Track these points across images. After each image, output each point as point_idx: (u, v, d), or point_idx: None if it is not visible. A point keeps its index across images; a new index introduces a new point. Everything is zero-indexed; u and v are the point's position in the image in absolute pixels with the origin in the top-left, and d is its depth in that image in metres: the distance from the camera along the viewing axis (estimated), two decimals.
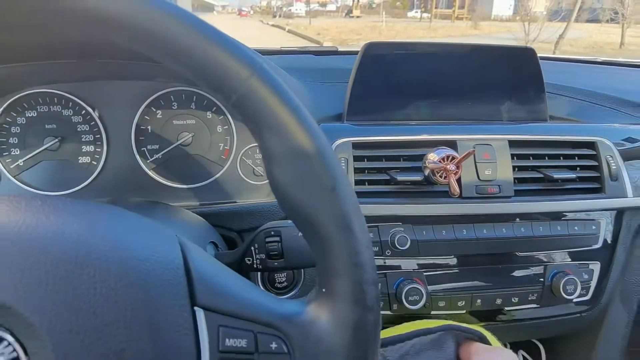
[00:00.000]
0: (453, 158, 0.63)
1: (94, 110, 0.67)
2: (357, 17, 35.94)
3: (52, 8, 0.28)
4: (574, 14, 9.50)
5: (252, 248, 0.52)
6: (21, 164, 0.66)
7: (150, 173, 0.69)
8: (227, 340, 0.30)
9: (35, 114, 0.66)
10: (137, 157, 0.69)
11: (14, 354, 0.25)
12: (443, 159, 0.63)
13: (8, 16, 0.30)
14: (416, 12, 39.24)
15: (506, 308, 0.71)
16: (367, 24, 23.14)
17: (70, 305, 0.26)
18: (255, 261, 0.52)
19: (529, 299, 0.71)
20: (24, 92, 0.65)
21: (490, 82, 0.80)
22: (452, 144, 0.69)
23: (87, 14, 0.28)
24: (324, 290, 0.34)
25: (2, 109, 0.64)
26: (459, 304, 0.69)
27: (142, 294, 0.28)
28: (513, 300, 0.70)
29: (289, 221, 0.54)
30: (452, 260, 0.70)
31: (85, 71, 0.65)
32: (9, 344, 0.25)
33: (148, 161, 0.69)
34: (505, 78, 0.80)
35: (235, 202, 0.71)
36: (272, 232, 0.52)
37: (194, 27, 0.30)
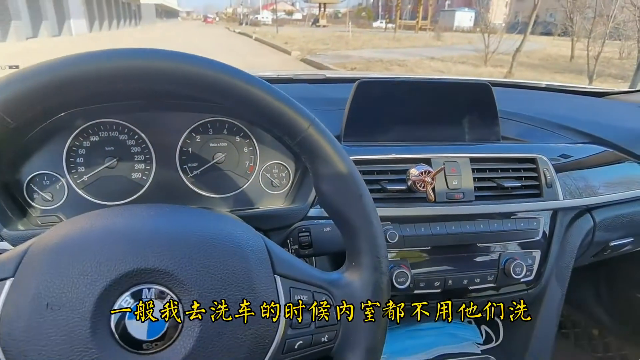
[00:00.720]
0: (429, 172, 0.83)
1: (145, 135, 0.83)
2: (324, 26, 36.44)
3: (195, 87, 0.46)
4: (529, 28, 10.09)
5: (288, 241, 0.70)
6: (86, 179, 0.81)
7: (191, 186, 0.85)
8: (295, 295, 0.48)
9: (98, 138, 0.81)
10: (180, 173, 0.85)
11: (174, 304, 0.42)
12: (422, 173, 0.83)
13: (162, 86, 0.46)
14: (381, 22, 40.18)
15: (470, 287, 0.91)
16: (333, 33, 23.53)
17: (207, 271, 0.43)
18: (290, 250, 0.70)
19: (488, 279, 0.91)
20: (90, 122, 0.80)
21: (456, 110, 1.01)
22: (427, 161, 0.88)
23: (216, 87, 0.46)
24: (353, 264, 0.53)
25: (72, 136, 0.79)
26: (435, 284, 0.88)
27: (246, 264, 0.46)
28: (476, 280, 0.90)
29: (315, 221, 0.72)
30: (430, 251, 0.89)
31: (139, 105, 0.81)
32: (170, 297, 0.42)
33: (189, 176, 0.85)
34: (467, 107, 1.01)
35: (258, 208, 0.88)
36: (304, 229, 0.70)
37: (276, 95, 0.48)
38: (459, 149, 0.93)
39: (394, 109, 0.98)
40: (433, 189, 0.85)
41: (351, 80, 1.41)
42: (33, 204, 0.79)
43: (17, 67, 0.96)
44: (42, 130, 0.76)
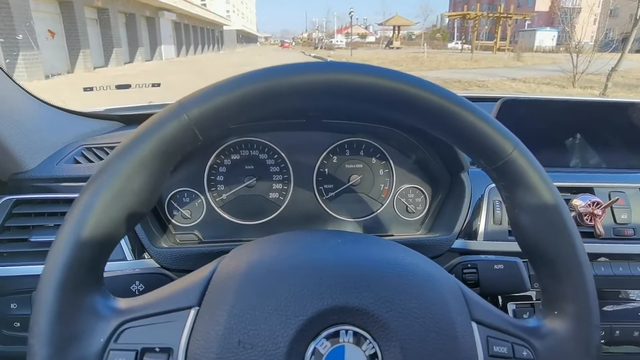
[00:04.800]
0: (598, 204, 0.73)
1: (285, 155, 0.81)
2: (397, 48, 36.40)
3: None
4: (628, 44, 9.30)
5: None
6: (224, 198, 0.80)
7: (325, 207, 0.82)
8: (494, 347, 0.41)
9: (238, 157, 0.80)
10: (316, 194, 0.82)
11: (373, 350, 0.36)
12: (589, 204, 0.73)
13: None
14: (456, 43, 39.42)
15: None
16: (407, 54, 23.37)
17: (408, 314, 0.37)
18: None
19: None
20: (232, 140, 0.79)
21: (611, 134, 0.89)
22: (589, 191, 0.78)
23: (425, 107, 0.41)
24: (555, 312, 0.45)
25: (214, 154, 0.79)
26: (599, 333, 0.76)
27: (447, 310, 0.39)
28: None
29: (482, 256, 0.64)
30: None
31: (281, 124, 0.79)
32: (370, 342, 0.36)
33: (324, 198, 0.82)
34: (626, 130, 0.89)
35: (392, 235, 0.83)
36: (469, 265, 0.63)
37: (479, 115, 0.42)
38: (625, 177, 0.82)
39: (541, 130, 0.89)
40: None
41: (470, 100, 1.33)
42: (173, 220, 0.79)
43: (158, 85, 1.00)
44: None
